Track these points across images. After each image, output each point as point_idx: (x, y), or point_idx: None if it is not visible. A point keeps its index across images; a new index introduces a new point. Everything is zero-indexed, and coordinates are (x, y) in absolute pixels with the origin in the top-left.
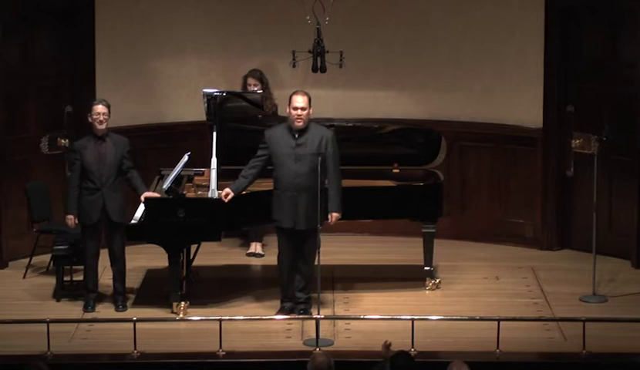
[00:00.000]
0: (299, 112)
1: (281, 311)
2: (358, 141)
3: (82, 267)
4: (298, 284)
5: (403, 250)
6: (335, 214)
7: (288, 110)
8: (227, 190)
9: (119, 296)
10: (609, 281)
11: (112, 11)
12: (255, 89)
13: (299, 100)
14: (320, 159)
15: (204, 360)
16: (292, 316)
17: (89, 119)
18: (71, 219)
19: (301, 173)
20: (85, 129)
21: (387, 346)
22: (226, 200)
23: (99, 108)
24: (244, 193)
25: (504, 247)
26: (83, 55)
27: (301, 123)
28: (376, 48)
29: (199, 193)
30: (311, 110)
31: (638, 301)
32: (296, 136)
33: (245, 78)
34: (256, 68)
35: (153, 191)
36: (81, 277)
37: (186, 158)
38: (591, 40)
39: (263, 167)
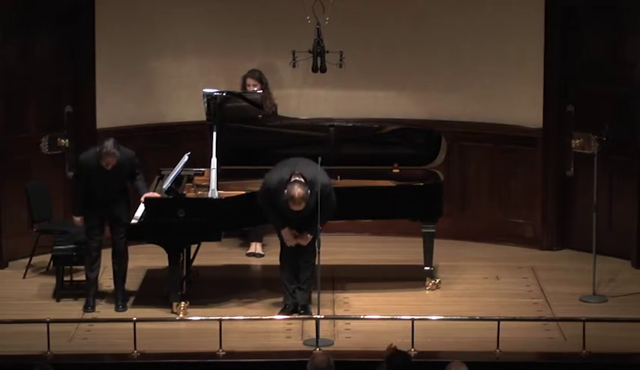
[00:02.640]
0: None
1: (284, 310)
2: (358, 141)
3: (82, 267)
4: (300, 278)
5: (403, 250)
6: (309, 236)
7: (285, 198)
8: (293, 232)
9: (120, 295)
10: (609, 281)
11: (112, 11)
12: (255, 89)
13: (296, 208)
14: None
15: (204, 360)
16: (292, 316)
17: (99, 157)
18: (78, 221)
19: (303, 224)
20: (85, 129)
21: (391, 349)
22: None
23: (109, 161)
24: (243, 193)
25: (504, 247)
26: (83, 55)
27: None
28: (376, 48)
29: (199, 193)
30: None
31: (638, 301)
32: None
33: (244, 78)
34: (255, 68)
35: (153, 191)
36: (81, 277)
37: (186, 158)
38: (591, 40)
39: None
